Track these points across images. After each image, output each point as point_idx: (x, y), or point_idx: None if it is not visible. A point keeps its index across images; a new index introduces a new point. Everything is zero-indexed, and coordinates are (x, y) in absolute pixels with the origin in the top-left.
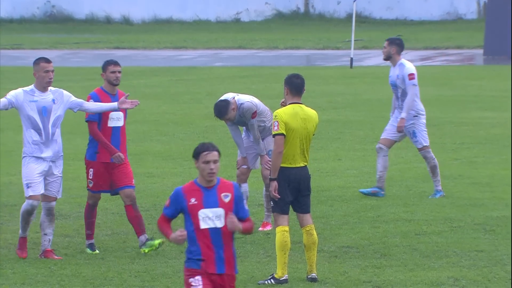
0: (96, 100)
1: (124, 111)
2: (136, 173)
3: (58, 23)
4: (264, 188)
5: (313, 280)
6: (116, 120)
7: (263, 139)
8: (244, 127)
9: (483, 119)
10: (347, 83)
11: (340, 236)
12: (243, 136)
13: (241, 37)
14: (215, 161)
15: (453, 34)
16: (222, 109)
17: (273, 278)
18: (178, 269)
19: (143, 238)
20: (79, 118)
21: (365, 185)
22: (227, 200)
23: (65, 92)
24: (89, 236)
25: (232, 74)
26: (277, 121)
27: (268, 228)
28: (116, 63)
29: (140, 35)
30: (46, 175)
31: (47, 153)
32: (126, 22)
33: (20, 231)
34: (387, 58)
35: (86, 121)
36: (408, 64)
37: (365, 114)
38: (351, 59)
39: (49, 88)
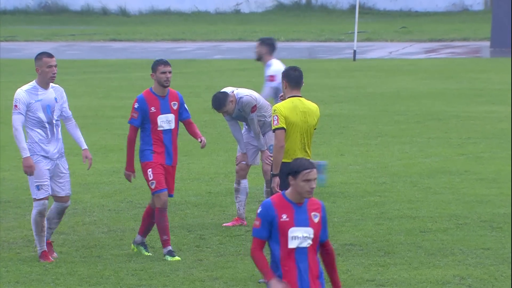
0: (142, 104)
1: (176, 112)
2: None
3: (53, 15)
4: (265, 184)
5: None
6: (167, 123)
7: (263, 134)
8: (245, 123)
9: (489, 113)
10: (350, 76)
11: (343, 233)
12: (243, 131)
13: (241, 29)
14: (315, 179)
15: (459, 26)
16: (220, 101)
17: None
18: (175, 267)
19: (139, 238)
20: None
21: (368, 181)
22: (316, 220)
23: (63, 91)
24: (166, 242)
25: (232, 67)
26: (277, 115)
27: None
28: (166, 63)
29: (137, 27)
30: (54, 174)
31: (53, 152)
32: (122, 13)
33: (37, 245)
34: (259, 58)
35: (129, 123)
36: (274, 65)
37: (368, 108)
38: (354, 51)
39: (50, 84)
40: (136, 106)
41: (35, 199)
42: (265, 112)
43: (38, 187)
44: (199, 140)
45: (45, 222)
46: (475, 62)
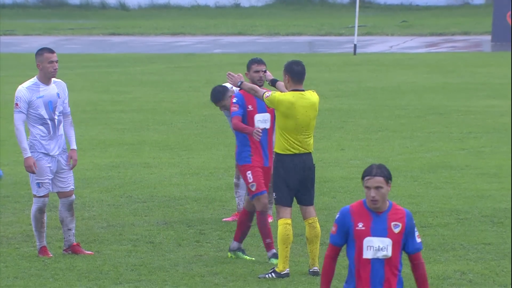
0: (240, 99)
1: (272, 111)
2: (133, 163)
3: (52, 9)
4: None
5: (315, 273)
6: (262, 122)
7: None
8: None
9: (491, 108)
10: (350, 70)
11: None
12: None
13: (241, 23)
14: (377, 187)
15: (460, 20)
16: (218, 94)
17: (274, 272)
18: (175, 262)
19: (235, 245)
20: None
21: None
22: (397, 230)
23: (66, 86)
24: (270, 245)
25: (231, 61)
26: (270, 92)
27: (269, 220)
28: (259, 62)
29: (137, 21)
30: (57, 171)
31: (55, 149)
32: (122, 7)
33: (36, 241)
34: None
35: (232, 116)
36: None
37: (369, 102)
38: (355, 45)
39: (52, 79)
40: (234, 101)
41: (35, 196)
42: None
43: (39, 185)
44: None
45: (45, 218)
46: (476, 56)
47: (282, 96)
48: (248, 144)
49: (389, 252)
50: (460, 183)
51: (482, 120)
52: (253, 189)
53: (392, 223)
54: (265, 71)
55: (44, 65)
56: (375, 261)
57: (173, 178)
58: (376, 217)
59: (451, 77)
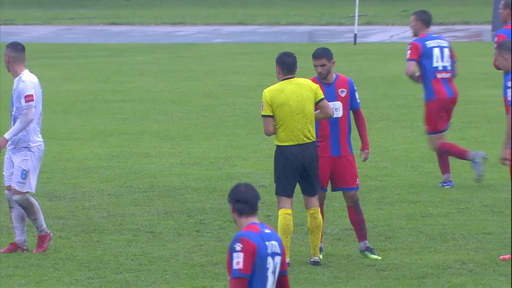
0: None
1: (344, 99)
2: (133, 153)
3: None
4: None
5: (316, 263)
6: (333, 111)
7: None
8: None
9: (491, 97)
10: (350, 60)
11: (344, 218)
12: None
13: (241, 13)
14: (322, 65)
15: (460, 9)
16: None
17: None
18: (175, 252)
19: (362, 245)
20: (73, 97)
21: (368, 165)
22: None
23: (21, 81)
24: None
25: (232, 51)
26: (262, 102)
27: None
28: (317, 57)
29: (137, 11)
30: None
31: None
32: None
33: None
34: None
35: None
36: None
37: (369, 92)
38: (355, 35)
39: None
40: None
41: (24, 192)
42: None
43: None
44: (361, 153)
45: (10, 212)
46: (476, 46)
47: (269, 88)
48: (317, 134)
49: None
50: (460, 173)
51: (483, 109)
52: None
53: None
54: (323, 65)
55: None
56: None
57: (173, 168)
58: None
59: None
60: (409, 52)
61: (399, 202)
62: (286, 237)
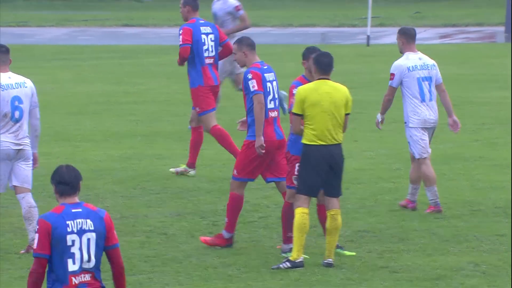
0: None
1: None
2: (146, 155)
3: (65, 0)
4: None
5: (329, 265)
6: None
7: None
8: None
9: (504, 99)
10: (363, 61)
11: (357, 220)
12: None
13: (254, 14)
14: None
15: (474, 11)
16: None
17: (288, 261)
18: (188, 253)
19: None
20: (86, 98)
21: (382, 167)
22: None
23: None
24: (290, 239)
25: None
26: (294, 99)
27: None
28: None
29: (150, 12)
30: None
31: None
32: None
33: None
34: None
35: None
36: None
37: (382, 93)
38: (368, 36)
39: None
40: (295, 92)
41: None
42: None
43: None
44: None
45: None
46: (489, 47)
47: (303, 87)
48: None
49: None
50: (473, 175)
51: (496, 111)
52: (296, 183)
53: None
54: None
55: None
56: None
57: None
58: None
59: (465, 68)
60: None
61: None
62: (302, 235)
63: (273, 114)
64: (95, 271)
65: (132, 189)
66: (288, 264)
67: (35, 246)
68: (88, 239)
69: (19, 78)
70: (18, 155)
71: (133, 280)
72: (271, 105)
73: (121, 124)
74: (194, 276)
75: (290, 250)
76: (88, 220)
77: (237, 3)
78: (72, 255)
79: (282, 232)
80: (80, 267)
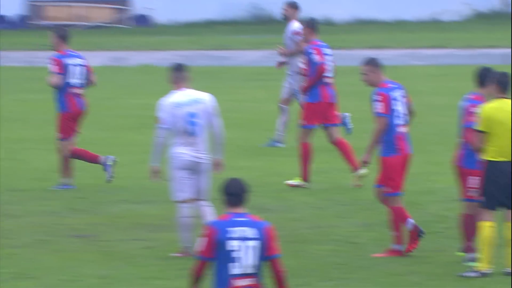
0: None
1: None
2: (337, 168)
3: (261, 24)
4: None
5: (508, 274)
6: None
7: None
8: None
9: None
10: None
11: None
12: None
13: (437, 37)
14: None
15: None
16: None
17: (474, 271)
18: (376, 262)
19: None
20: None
21: None
22: None
23: None
24: (470, 248)
25: (429, 73)
26: (478, 117)
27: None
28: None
29: (341, 35)
30: None
31: None
32: (328, 22)
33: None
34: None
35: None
36: None
37: None
38: None
39: None
40: (473, 110)
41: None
42: None
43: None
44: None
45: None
46: None
47: (489, 105)
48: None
49: None
50: None
51: None
52: (477, 196)
53: None
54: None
55: None
56: None
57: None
58: None
59: None
60: None
61: None
62: (489, 248)
63: (403, 129)
64: (256, 276)
65: (323, 201)
66: (473, 274)
67: (200, 248)
68: (250, 246)
69: (196, 94)
70: (198, 167)
71: (324, 286)
72: (399, 121)
73: (315, 140)
74: (380, 283)
75: (473, 259)
76: (251, 229)
77: (296, 30)
78: (234, 260)
79: (463, 242)
80: (242, 271)
